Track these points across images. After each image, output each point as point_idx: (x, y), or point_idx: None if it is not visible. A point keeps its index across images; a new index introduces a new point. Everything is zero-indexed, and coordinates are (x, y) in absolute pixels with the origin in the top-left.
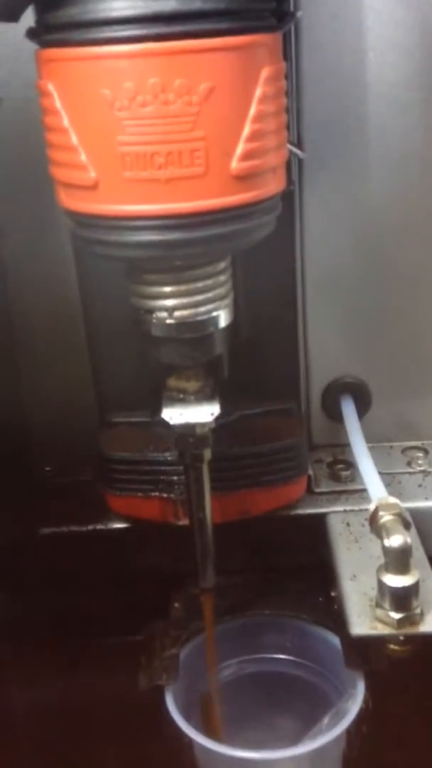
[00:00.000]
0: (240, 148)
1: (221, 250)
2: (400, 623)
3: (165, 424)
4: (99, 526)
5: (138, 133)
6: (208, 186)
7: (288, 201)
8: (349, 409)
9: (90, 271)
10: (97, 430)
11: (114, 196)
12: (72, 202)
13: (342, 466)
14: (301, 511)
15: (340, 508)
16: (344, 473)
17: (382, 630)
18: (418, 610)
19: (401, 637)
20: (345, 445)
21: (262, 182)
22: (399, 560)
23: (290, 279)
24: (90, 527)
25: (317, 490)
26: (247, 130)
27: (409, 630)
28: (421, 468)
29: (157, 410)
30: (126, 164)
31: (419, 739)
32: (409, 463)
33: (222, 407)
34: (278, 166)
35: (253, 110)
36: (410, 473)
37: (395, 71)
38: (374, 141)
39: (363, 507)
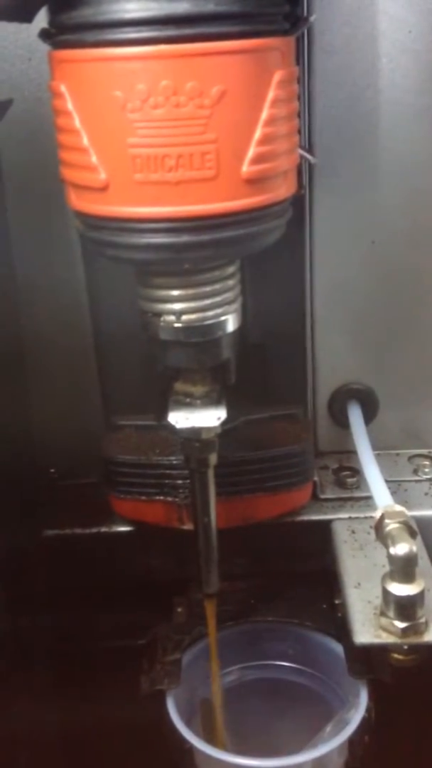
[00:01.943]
0: (251, 152)
1: (230, 253)
2: (404, 632)
3: (171, 428)
4: (103, 529)
5: (149, 135)
6: (219, 189)
7: (298, 206)
8: (355, 416)
9: (98, 275)
10: (102, 433)
11: (124, 198)
12: (82, 203)
13: (348, 472)
14: (306, 518)
15: (346, 515)
16: (350, 480)
17: (386, 639)
18: (423, 620)
19: (405, 647)
20: (351, 452)
21: (272, 186)
22: (404, 569)
23: (299, 284)
24: (94, 530)
25: (323, 496)
26: (258, 134)
27: (414, 639)
28: (428, 476)
29: (164, 414)
30: (136, 166)
31: (422, 750)
32: (415, 471)
33: (228, 412)
34: (289, 171)
35: (264, 114)
36: (416, 481)
37: (408, 77)
38: (386, 147)
39: (368, 514)
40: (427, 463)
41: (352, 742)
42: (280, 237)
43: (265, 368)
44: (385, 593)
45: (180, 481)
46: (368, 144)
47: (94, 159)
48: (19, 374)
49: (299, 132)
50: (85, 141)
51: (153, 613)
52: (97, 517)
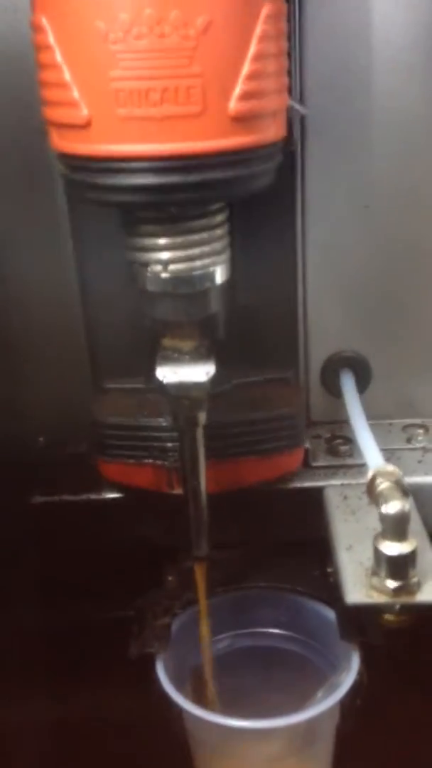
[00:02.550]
0: (239, 88)
1: (218, 196)
2: (396, 592)
3: (159, 384)
4: (92, 496)
5: (132, 67)
6: (205, 126)
7: (289, 163)
8: (348, 383)
9: (84, 234)
10: (91, 397)
11: (107, 135)
12: (64, 143)
13: (340, 440)
14: (298, 485)
15: (338, 482)
16: (343, 448)
17: (377, 599)
18: (415, 580)
19: (397, 607)
20: (344, 422)
21: (261, 126)
22: (396, 527)
23: (290, 244)
24: (83, 497)
25: (315, 464)
26: (246, 69)
27: (406, 599)
28: (421, 444)
29: (152, 375)
30: (120, 101)
31: (414, 714)
32: (408, 440)
33: (218, 374)
34: (278, 111)
35: (253, 48)
36: (410, 449)
37: (402, 35)
38: (379, 105)
39: (361, 481)
40: (420, 431)
41: (343, 705)
42: (271, 195)
43: (256, 331)
44: (377, 553)
45: (169, 444)
46: (361, 102)
47: (75, 94)
48: (5, 340)
49: (289, 74)
50: (67, 76)
51: (143, 580)
52: (87, 483)
